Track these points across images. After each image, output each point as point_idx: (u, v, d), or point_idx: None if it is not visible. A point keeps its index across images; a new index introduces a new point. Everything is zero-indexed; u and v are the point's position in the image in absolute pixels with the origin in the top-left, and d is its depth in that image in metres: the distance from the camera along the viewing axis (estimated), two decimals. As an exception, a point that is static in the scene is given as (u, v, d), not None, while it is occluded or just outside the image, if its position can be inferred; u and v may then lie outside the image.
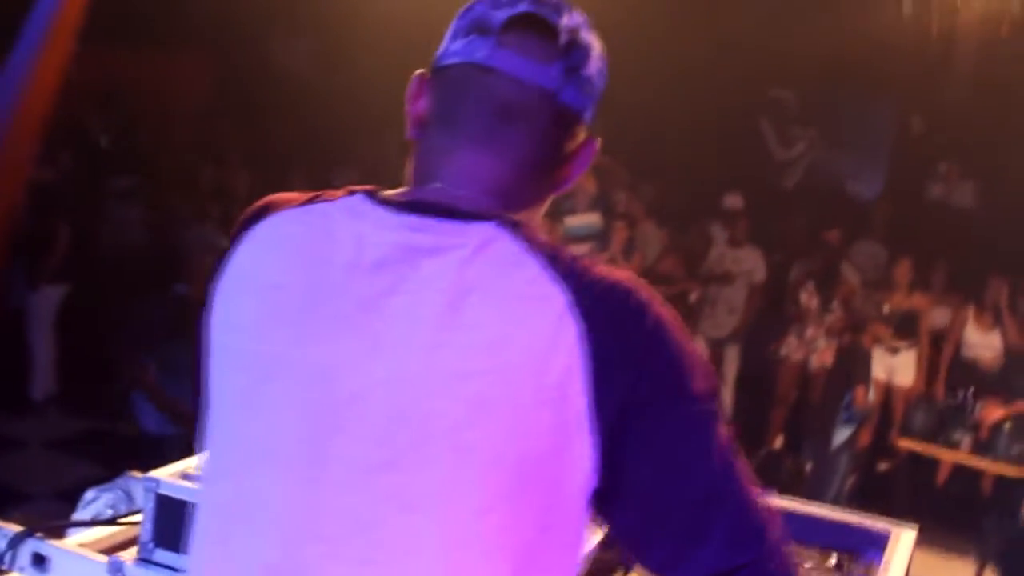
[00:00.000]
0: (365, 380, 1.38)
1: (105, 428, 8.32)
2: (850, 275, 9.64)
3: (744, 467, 1.41)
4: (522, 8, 1.52)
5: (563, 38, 1.50)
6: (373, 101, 10.61)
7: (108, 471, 7.38)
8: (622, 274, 1.41)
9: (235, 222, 1.61)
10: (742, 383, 9.81)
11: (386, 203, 1.49)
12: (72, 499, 6.03)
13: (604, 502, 1.40)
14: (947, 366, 9.04)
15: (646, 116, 10.80)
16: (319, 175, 10.28)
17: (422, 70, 1.59)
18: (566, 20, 1.52)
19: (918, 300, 9.06)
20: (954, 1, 8.59)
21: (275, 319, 1.46)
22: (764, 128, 12.46)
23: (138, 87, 11.03)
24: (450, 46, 1.56)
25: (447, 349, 1.35)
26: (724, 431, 1.39)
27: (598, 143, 1.59)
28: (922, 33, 9.33)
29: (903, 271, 9.11)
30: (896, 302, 9.06)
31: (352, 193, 1.51)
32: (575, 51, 1.52)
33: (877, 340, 8.97)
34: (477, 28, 1.53)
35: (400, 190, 1.54)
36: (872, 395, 8.78)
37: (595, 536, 1.48)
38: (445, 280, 1.37)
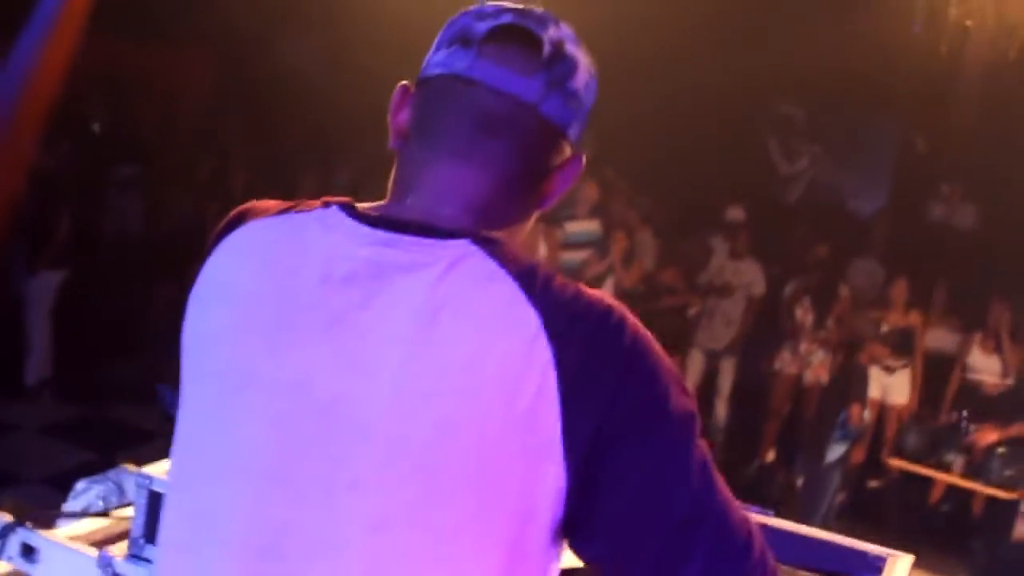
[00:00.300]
0: (333, 396, 1.36)
1: (98, 415, 8.32)
2: (846, 292, 9.64)
3: (723, 484, 1.38)
4: (505, 19, 1.50)
5: (547, 50, 1.48)
6: (380, 101, 10.64)
7: (99, 458, 7.43)
8: (597, 294, 1.38)
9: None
10: (737, 395, 9.80)
11: (361, 217, 1.46)
12: (62, 485, 6.02)
13: (577, 529, 1.37)
14: (954, 391, 9.00)
15: (652, 127, 10.81)
16: (324, 175, 10.29)
17: (405, 81, 1.57)
18: (551, 32, 1.50)
19: (914, 319, 9.05)
20: (964, 23, 8.56)
21: (244, 330, 1.44)
22: (770, 141, 12.45)
23: (143, 79, 11.04)
24: (433, 58, 1.55)
25: (417, 368, 1.33)
26: (702, 450, 1.36)
27: (583, 159, 1.56)
28: (931, 53, 9.30)
29: (900, 290, 9.10)
30: (892, 321, 9.05)
31: (327, 204, 1.49)
32: (559, 64, 1.49)
33: (873, 359, 8.96)
34: (460, 39, 1.51)
35: (376, 204, 1.51)
36: (867, 413, 8.79)
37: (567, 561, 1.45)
38: (417, 297, 1.35)
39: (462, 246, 1.38)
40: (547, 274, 1.37)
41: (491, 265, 1.36)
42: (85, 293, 8.77)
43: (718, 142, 11.47)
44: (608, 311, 1.36)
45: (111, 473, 3.17)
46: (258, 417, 1.40)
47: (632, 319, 1.38)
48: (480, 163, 1.48)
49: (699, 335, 9.77)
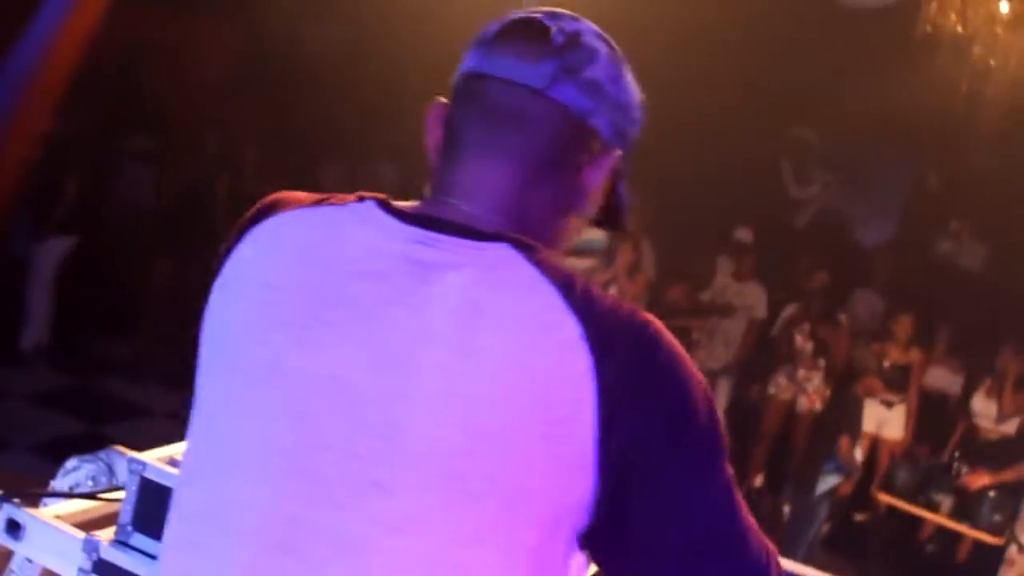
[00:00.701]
0: (361, 394, 1.34)
1: (90, 386, 8.30)
2: (845, 321, 9.61)
3: (746, 509, 1.38)
4: (516, 15, 1.52)
5: (558, 39, 1.48)
6: (401, 91, 10.60)
7: (89, 429, 7.41)
8: (634, 306, 1.37)
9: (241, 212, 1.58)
10: (729, 417, 9.77)
11: (396, 213, 1.45)
12: (50, 454, 6.01)
13: (600, 540, 1.36)
14: (959, 436, 8.96)
15: (665, 142, 10.77)
16: (346, 167, 10.26)
17: (439, 99, 1.57)
18: (566, 24, 1.50)
19: (914, 356, 9.03)
20: (988, 62, 8.53)
21: (272, 322, 1.42)
22: (783, 164, 12.41)
23: (164, 49, 10.99)
24: (458, 69, 1.56)
25: (451, 371, 1.31)
26: (728, 473, 1.37)
27: (616, 154, 1.55)
28: (951, 91, 9.28)
29: (904, 326, 9.08)
30: (893, 356, 9.02)
31: (362, 199, 1.48)
32: (573, 51, 1.49)
33: (869, 391, 8.94)
34: (476, 42, 1.53)
35: (412, 202, 1.50)
36: (860, 447, 8.76)
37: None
38: (454, 299, 1.34)
39: (501, 249, 1.38)
40: (586, 283, 1.36)
41: (530, 271, 1.35)
42: (89, 263, 8.75)
43: (730, 161, 11.44)
44: (646, 324, 1.35)
45: (102, 453, 3.13)
46: (282, 411, 1.38)
47: (668, 333, 1.37)
48: (501, 157, 1.48)
49: (697, 353, 9.74)
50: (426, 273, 1.36)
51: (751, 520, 1.38)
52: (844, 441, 8.59)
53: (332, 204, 1.47)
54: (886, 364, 9.00)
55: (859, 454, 8.78)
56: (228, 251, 1.51)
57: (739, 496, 1.37)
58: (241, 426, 1.42)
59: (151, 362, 8.71)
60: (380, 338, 1.35)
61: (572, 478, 1.30)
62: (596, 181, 1.54)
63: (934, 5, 8.10)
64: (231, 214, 8.77)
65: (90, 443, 3.78)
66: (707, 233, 10.75)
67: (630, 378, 1.31)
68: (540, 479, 1.30)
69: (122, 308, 9.00)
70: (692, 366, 1.37)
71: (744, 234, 10.33)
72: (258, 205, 1.54)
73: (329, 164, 10.18)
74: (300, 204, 1.49)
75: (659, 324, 1.37)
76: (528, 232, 1.43)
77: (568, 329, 1.30)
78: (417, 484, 1.30)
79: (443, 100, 1.56)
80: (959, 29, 8.21)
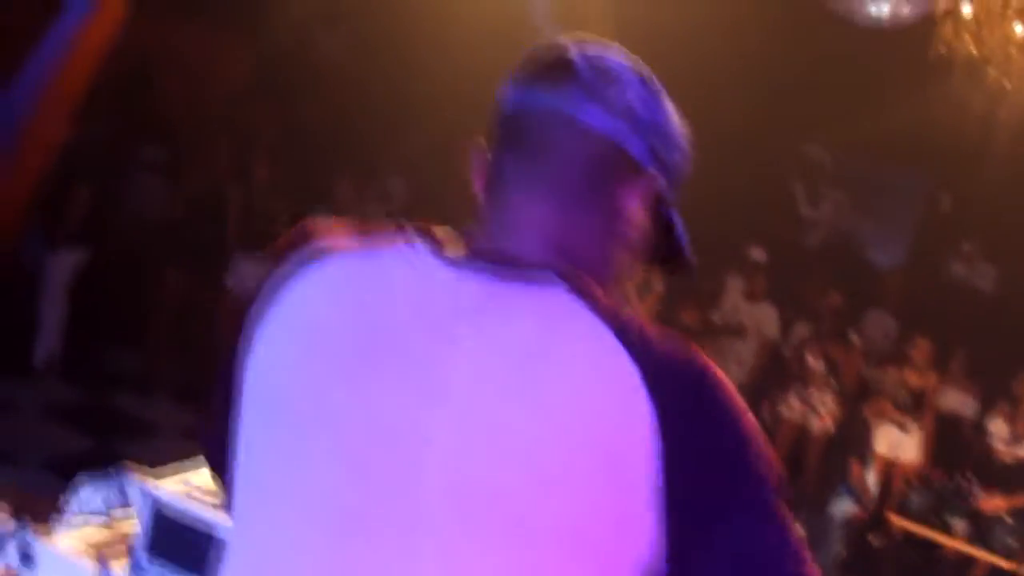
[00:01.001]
0: (420, 444, 1.28)
1: (101, 401, 8.24)
2: (858, 342, 9.55)
3: (804, 546, 1.35)
4: (541, 47, 1.51)
5: (582, 65, 1.46)
6: (416, 101, 10.58)
7: (99, 446, 7.34)
8: (688, 347, 1.33)
9: (275, 245, 1.53)
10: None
11: (445, 255, 1.40)
12: (60, 470, 5.95)
13: None
14: (974, 460, 8.89)
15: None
16: (360, 180, 10.23)
17: (479, 141, 1.55)
18: (589, 50, 1.48)
19: (929, 379, 8.96)
20: (1002, 83, 8.48)
21: (325, 371, 1.37)
22: (795, 183, 12.36)
23: (177, 59, 10.97)
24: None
25: (511, 419, 1.26)
26: (787, 514, 1.33)
27: (656, 178, 1.50)
28: (965, 112, 9.25)
29: (921, 350, 9.01)
30: (910, 379, 8.96)
31: (408, 238, 1.43)
32: (599, 76, 1.46)
33: (879, 414, 8.88)
34: (510, 80, 1.51)
35: (460, 240, 1.45)
36: (872, 470, 8.70)
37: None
38: (511, 344, 1.30)
39: (553, 290, 1.34)
40: (641, 323, 1.32)
41: (585, 312, 1.31)
42: (100, 275, 8.70)
43: (741, 179, 11.40)
44: (704, 367, 1.31)
45: (113, 474, 3.10)
46: (335, 459, 1.34)
47: (724, 377, 1.33)
48: (540, 189, 1.45)
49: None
50: (479, 317, 1.33)
51: (811, 563, 1.34)
52: (855, 466, 8.53)
53: (379, 246, 1.43)
54: (902, 389, 8.94)
55: (872, 478, 8.72)
56: (270, 291, 1.46)
57: (797, 537, 1.33)
58: (296, 478, 1.37)
59: (161, 376, 8.67)
60: (436, 385, 1.30)
61: (632, 523, 1.25)
62: (635, 206, 1.49)
63: (949, 26, 8.06)
64: (242, 226, 8.71)
65: (100, 460, 3.71)
66: (717, 252, 10.71)
67: (691, 424, 1.27)
68: (600, 524, 1.26)
69: (133, 320, 8.95)
70: (747, 411, 1.33)
71: (757, 253, 10.27)
72: (298, 244, 1.49)
73: (341, 177, 10.14)
74: (346, 246, 1.45)
75: (715, 367, 1.33)
76: (578, 266, 1.39)
77: (626, 374, 1.26)
78: (477, 532, 1.27)
79: (482, 141, 1.54)
80: (974, 51, 8.16)
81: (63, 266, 8.58)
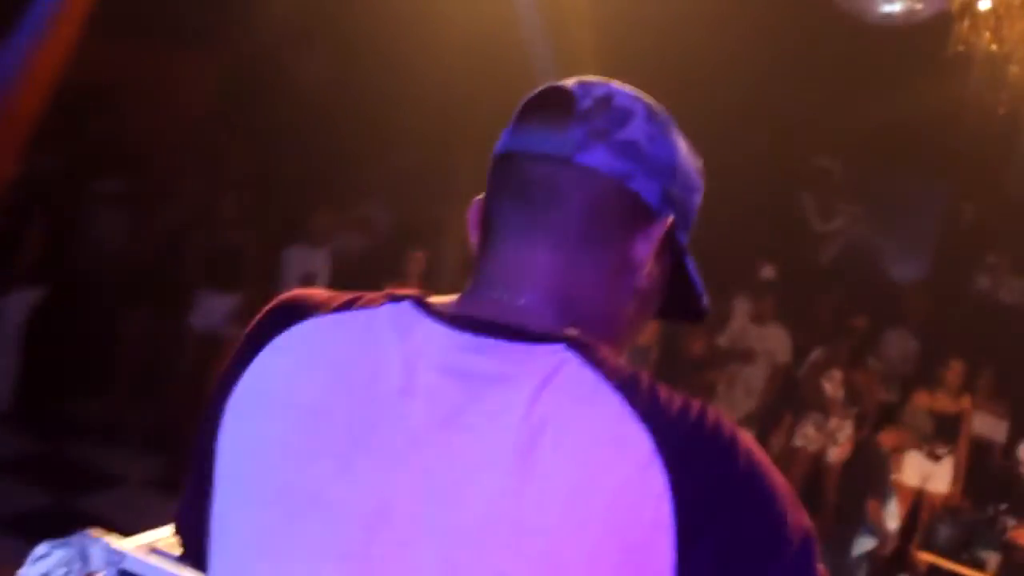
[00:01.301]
0: (415, 528, 1.24)
1: (59, 453, 8.18)
2: (876, 365, 9.52)
3: None
4: (540, 88, 1.49)
5: (584, 103, 1.43)
6: (398, 120, 10.55)
7: (58, 502, 7.27)
8: (702, 406, 1.29)
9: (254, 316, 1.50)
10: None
11: (437, 315, 1.37)
12: (15, 529, 5.88)
13: None
14: (1006, 487, 8.86)
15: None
16: (333, 206, 10.19)
17: (479, 198, 1.53)
18: (593, 89, 1.46)
19: (964, 404, 8.92)
20: (1025, 84, 8.48)
21: (309, 449, 1.33)
22: (804, 196, 12.36)
23: (137, 86, 10.95)
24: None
25: (515, 498, 1.22)
26: None
27: (668, 221, 1.45)
28: (986, 114, 9.23)
29: (954, 373, 8.97)
30: (941, 404, 8.91)
31: (396, 299, 1.40)
32: (603, 114, 1.43)
33: (900, 444, 8.84)
34: (508, 124, 1.50)
35: (452, 299, 1.43)
36: (893, 504, 8.64)
37: None
38: (512, 416, 1.26)
39: (556, 352, 1.29)
40: (650, 384, 1.28)
41: (590, 376, 1.27)
42: (58, 316, 8.65)
43: (747, 193, 11.39)
44: (719, 428, 1.27)
45: (75, 539, 3.05)
46: (324, 550, 1.30)
47: (742, 434, 1.29)
48: (540, 237, 1.41)
49: (716, 404, 9.62)
50: (476, 387, 1.29)
51: None
52: (872, 505, 8.48)
53: (364, 307, 1.40)
54: (928, 413, 8.90)
55: (893, 512, 8.66)
56: (243, 359, 1.43)
57: None
58: (280, 567, 1.34)
59: (125, 424, 8.62)
60: (433, 465, 1.26)
61: None
62: (646, 252, 1.45)
63: (966, 22, 8.05)
64: (209, 261, 8.68)
65: (60, 518, 3.66)
66: (723, 271, 10.68)
67: (709, 495, 1.23)
68: None
69: (93, 364, 8.90)
70: (771, 469, 1.29)
71: (767, 272, 10.25)
72: (274, 307, 1.47)
73: (316, 206, 10.11)
74: (326, 308, 1.42)
75: (731, 425, 1.29)
76: (582, 322, 1.36)
77: (638, 443, 1.22)
78: None
79: (480, 197, 1.52)
80: (993, 48, 8.16)
81: (18, 307, 8.54)
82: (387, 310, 1.37)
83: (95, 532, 2.94)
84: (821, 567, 1.31)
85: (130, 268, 9.54)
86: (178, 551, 2.62)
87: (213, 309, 8.87)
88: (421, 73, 10.23)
